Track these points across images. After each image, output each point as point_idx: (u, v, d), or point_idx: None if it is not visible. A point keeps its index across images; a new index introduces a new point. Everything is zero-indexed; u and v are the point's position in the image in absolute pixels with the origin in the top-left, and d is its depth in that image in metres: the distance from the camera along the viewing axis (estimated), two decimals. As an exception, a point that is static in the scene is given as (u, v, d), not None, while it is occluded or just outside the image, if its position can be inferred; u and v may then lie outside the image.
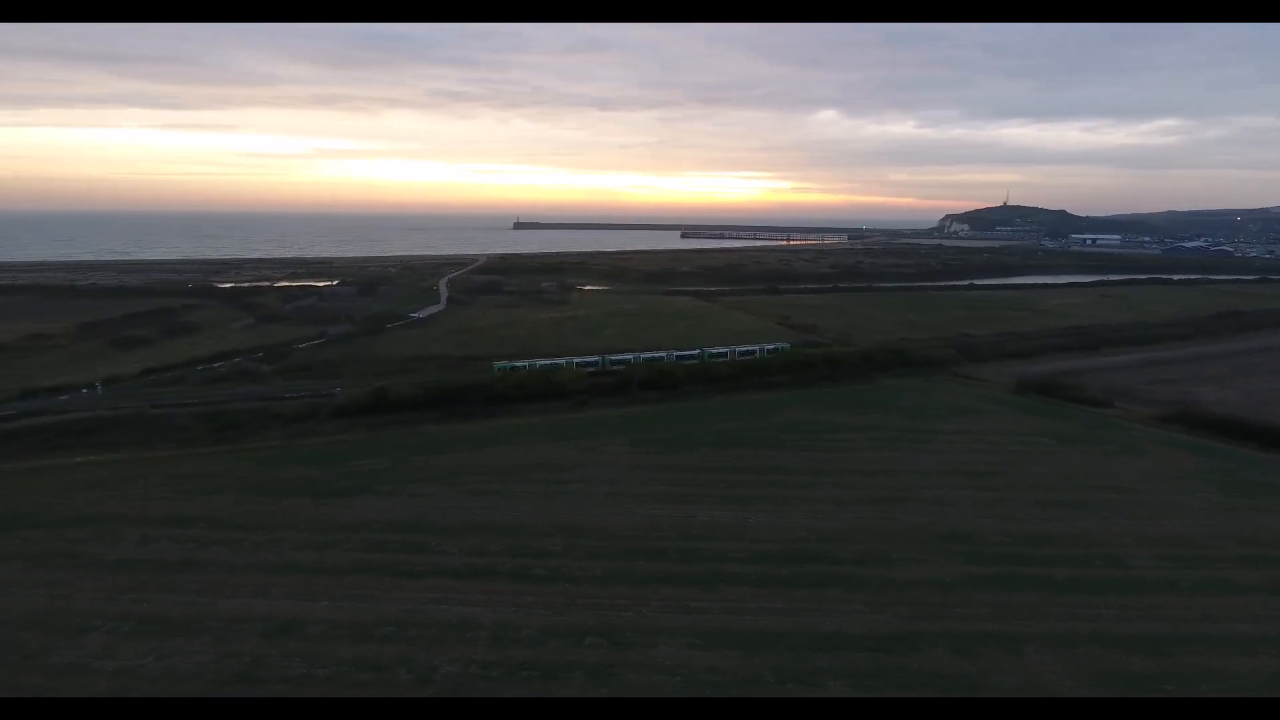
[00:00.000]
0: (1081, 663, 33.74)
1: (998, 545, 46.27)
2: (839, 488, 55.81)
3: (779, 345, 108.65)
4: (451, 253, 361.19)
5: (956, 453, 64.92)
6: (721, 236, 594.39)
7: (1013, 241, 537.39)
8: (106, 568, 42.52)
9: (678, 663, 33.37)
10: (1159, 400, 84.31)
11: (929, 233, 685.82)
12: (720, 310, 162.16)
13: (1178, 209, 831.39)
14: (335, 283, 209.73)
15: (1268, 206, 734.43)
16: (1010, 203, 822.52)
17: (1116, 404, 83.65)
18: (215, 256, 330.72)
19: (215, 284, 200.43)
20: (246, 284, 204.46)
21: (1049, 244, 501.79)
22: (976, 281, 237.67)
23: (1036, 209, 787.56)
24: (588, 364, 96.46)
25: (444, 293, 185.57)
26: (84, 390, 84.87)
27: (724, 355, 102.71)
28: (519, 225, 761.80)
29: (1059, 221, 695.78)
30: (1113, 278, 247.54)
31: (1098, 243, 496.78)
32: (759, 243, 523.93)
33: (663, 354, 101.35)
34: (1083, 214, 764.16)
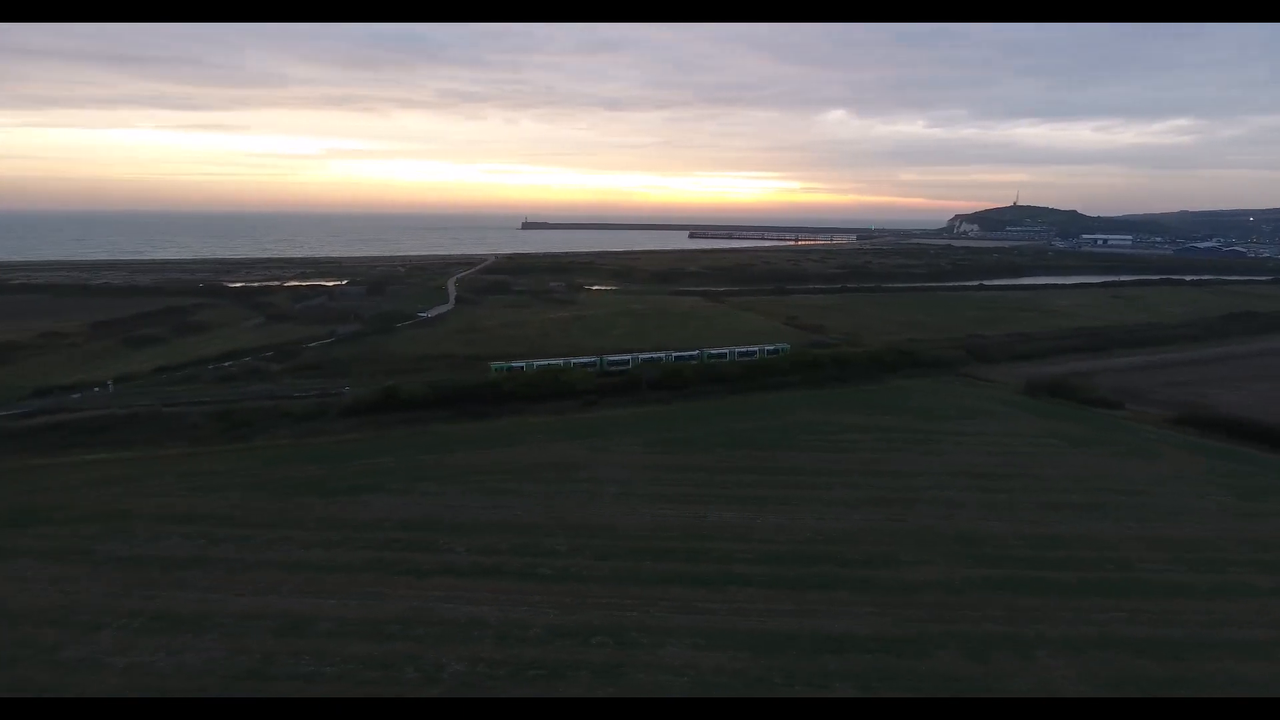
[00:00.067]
0: (1093, 667, 33.52)
1: (1008, 547, 46.01)
2: (848, 489, 55.65)
3: (779, 346, 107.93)
4: (460, 252, 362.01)
5: (966, 454, 64.61)
6: (730, 236, 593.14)
7: (1023, 242, 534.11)
8: (118, 564, 42.87)
9: (685, 663, 33.35)
10: (1171, 402, 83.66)
11: (938, 233, 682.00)
12: (728, 310, 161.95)
13: (1190, 209, 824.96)
14: (345, 282, 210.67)
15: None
16: (1020, 203, 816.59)
17: (1128, 405, 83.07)
18: (226, 256, 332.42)
19: (226, 283, 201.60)
20: (257, 283, 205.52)
21: (1060, 244, 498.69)
22: (986, 282, 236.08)
23: (1047, 209, 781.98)
24: (585, 365, 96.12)
25: (452, 292, 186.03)
26: (97, 388, 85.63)
27: (723, 356, 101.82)
28: (527, 225, 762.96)
29: (1070, 222, 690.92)
30: (1124, 278, 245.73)
31: (1109, 243, 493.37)
32: (767, 243, 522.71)
33: (661, 354, 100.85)
34: (1094, 214, 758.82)
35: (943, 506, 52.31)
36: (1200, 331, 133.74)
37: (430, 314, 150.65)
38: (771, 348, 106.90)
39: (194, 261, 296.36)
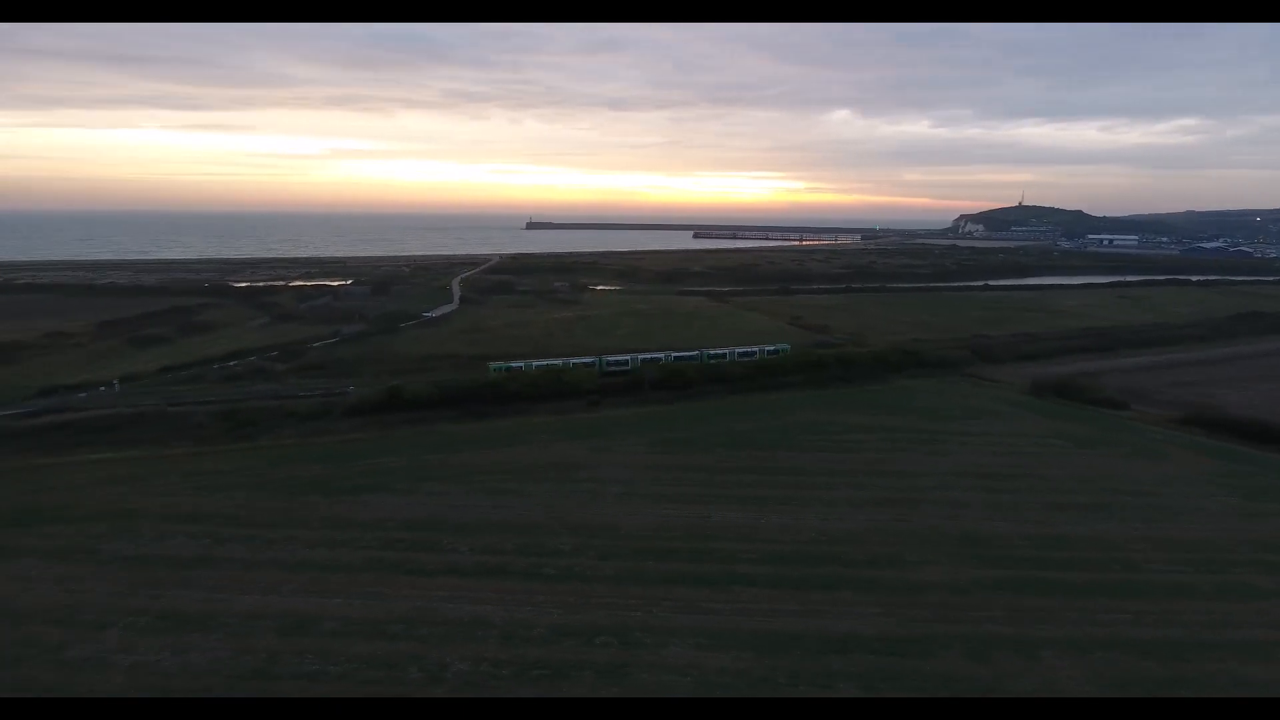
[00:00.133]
0: (1097, 668, 33.40)
1: (1012, 548, 45.87)
2: (852, 489, 55.55)
3: (779, 346, 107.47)
4: (465, 252, 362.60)
5: (971, 454, 64.44)
6: (734, 236, 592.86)
7: (1028, 242, 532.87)
8: (124, 563, 43.00)
9: (689, 663, 33.32)
10: (1177, 402, 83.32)
11: (943, 233, 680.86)
12: (732, 311, 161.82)
13: (1196, 209, 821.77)
14: (349, 282, 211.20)
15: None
16: (1026, 203, 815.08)
17: (1134, 406, 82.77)
18: (232, 256, 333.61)
19: (231, 283, 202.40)
20: (262, 283, 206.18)
21: (1065, 244, 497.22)
22: (991, 282, 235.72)
23: (1052, 209, 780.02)
24: (584, 365, 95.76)
25: (457, 292, 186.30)
26: (103, 388, 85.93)
27: (723, 356, 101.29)
28: (532, 225, 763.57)
29: (1075, 222, 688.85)
30: (1130, 278, 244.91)
31: (1115, 243, 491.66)
32: (772, 243, 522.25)
33: (661, 355, 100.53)
34: (1099, 214, 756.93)
35: (948, 507, 52.17)
36: (1207, 332, 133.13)
37: (435, 314, 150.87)
38: (771, 348, 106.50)
39: (199, 261, 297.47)
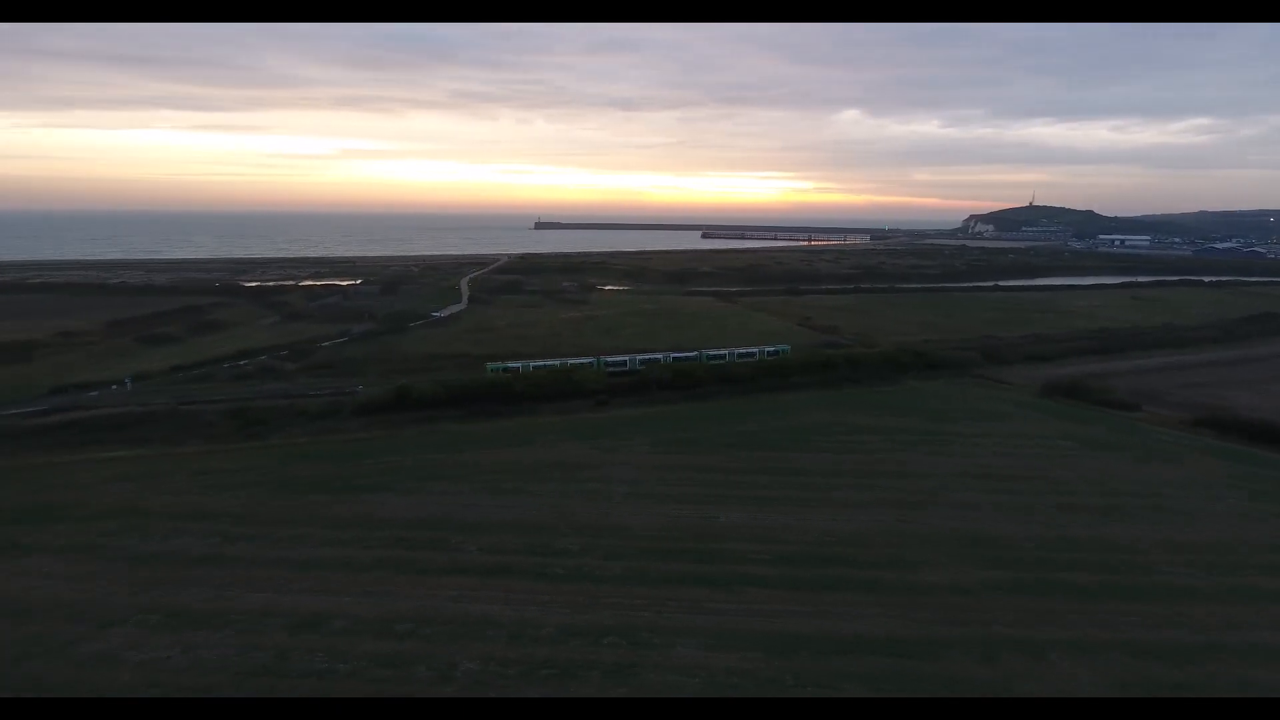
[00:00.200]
0: (1106, 670, 33.16)
1: (1021, 550, 45.63)
2: (860, 490, 55.38)
3: (779, 347, 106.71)
4: (473, 252, 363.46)
5: (980, 456, 64.16)
6: (742, 236, 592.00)
7: (1039, 242, 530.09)
8: (134, 561, 43.29)
9: (697, 664, 33.27)
10: (1189, 404, 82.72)
11: (953, 233, 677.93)
12: (740, 311, 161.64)
13: (1209, 209, 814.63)
14: (358, 282, 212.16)
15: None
16: (1036, 203, 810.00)
17: (1145, 408, 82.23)
18: (242, 255, 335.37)
19: (242, 283, 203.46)
20: (272, 283, 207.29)
21: (1076, 244, 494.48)
22: (1001, 283, 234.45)
23: (1063, 209, 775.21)
24: (580, 365, 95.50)
25: (465, 292, 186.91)
26: (114, 386, 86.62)
27: (722, 357, 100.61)
28: (540, 225, 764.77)
29: (1086, 222, 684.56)
30: (1142, 279, 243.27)
31: (1126, 243, 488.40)
32: (780, 243, 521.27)
33: (659, 355, 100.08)
34: (1111, 214, 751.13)
35: (956, 508, 51.95)
36: (1219, 333, 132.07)
37: (443, 313, 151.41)
38: (771, 349, 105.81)
39: (210, 261, 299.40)
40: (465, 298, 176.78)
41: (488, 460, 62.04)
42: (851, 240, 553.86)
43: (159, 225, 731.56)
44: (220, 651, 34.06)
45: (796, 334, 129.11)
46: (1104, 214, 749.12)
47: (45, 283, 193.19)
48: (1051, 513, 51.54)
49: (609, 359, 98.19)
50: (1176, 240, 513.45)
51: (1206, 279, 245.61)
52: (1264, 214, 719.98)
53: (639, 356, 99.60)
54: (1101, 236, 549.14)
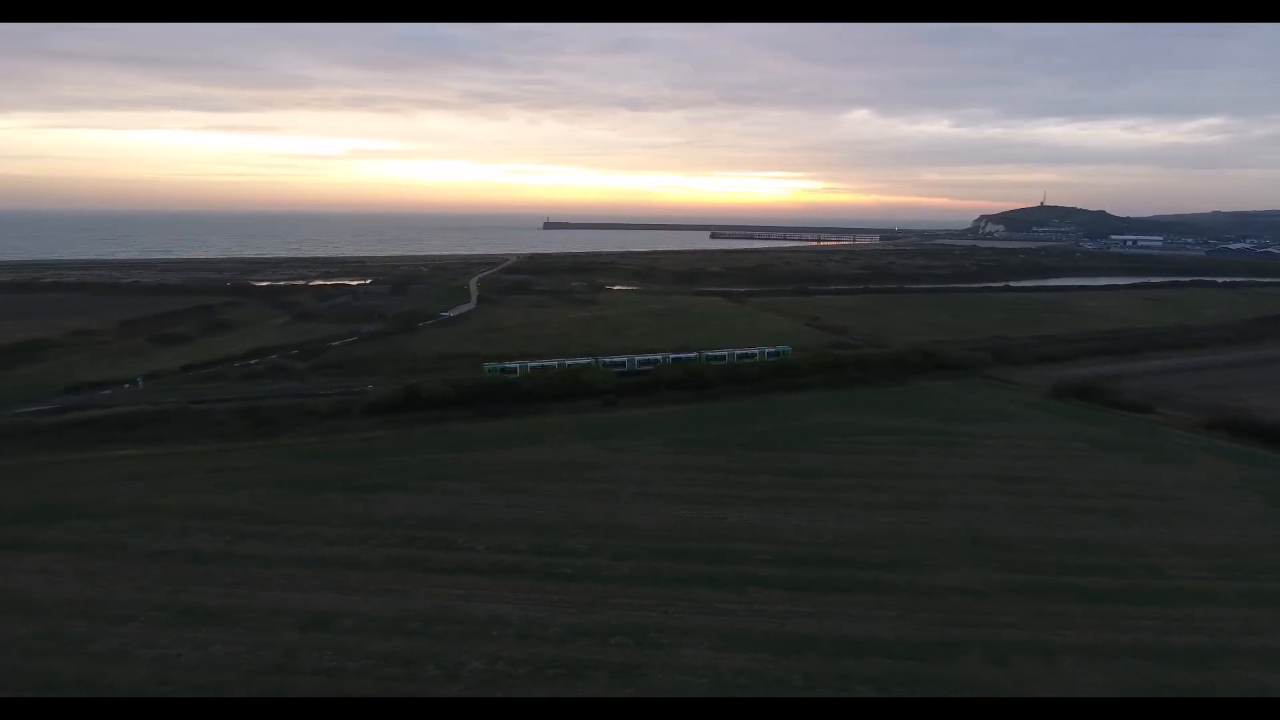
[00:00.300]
0: (1119, 674, 32.93)
1: (1032, 552, 45.35)
2: (870, 491, 55.17)
3: (780, 349, 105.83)
4: (482, 252, 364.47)
5: (990, 457, 63.82)
6: (751, 237, 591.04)
7: (1050, 242, 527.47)
8: (147, 558, 43.61)
9: (705, 664, 33.24)
10: (1202, 406, 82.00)
11: (963, 233, 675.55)
12: (749, 311, 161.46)
13: (1223, 209, 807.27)
14: (368, 281, 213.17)
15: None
16: (1048, 203, 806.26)
17: (1158, 409, 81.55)
18: (253, 255, 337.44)
19: (253, 282, 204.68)
20: (283, 282, 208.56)
21: (1088, 245, 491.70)
22: (1012, 283, 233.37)
23: (1075, 209, 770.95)
24: (579, 366, 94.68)
25: (474, 292, 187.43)
26: (127, 385, 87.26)
27: (721, 358, 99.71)
28: (549, 225, 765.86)
29: (1098, 222, 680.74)
30: (1154, 280, 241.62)
31: (1139, 244, 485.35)
32: (789, 243, 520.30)
33: (658, 356, 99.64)
34: (1123, 214, 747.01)
35: (967, 510, 51.70)
36: (1233, 334, 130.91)
37: (452, 313, 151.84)
38: (772, 350, 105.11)
39: (221, 260, 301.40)
40: (474, 298, 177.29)
41: (497, 460, 62.16)
42: (861, 240, 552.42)
43: (170, 225, 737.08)
44: (231, 649, 34.29)
45: (805, 334, 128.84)
46: (1116, 214, 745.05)
47: (58, 282, 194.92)
48: (1063, 514, 51.21)
49: (607, 359, 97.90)
50: (1189, 240, 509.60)
51: (1220, 280, 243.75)
52: (1278, 214, 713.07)
53: (637, 357, 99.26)
54: (1113, 237, 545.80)
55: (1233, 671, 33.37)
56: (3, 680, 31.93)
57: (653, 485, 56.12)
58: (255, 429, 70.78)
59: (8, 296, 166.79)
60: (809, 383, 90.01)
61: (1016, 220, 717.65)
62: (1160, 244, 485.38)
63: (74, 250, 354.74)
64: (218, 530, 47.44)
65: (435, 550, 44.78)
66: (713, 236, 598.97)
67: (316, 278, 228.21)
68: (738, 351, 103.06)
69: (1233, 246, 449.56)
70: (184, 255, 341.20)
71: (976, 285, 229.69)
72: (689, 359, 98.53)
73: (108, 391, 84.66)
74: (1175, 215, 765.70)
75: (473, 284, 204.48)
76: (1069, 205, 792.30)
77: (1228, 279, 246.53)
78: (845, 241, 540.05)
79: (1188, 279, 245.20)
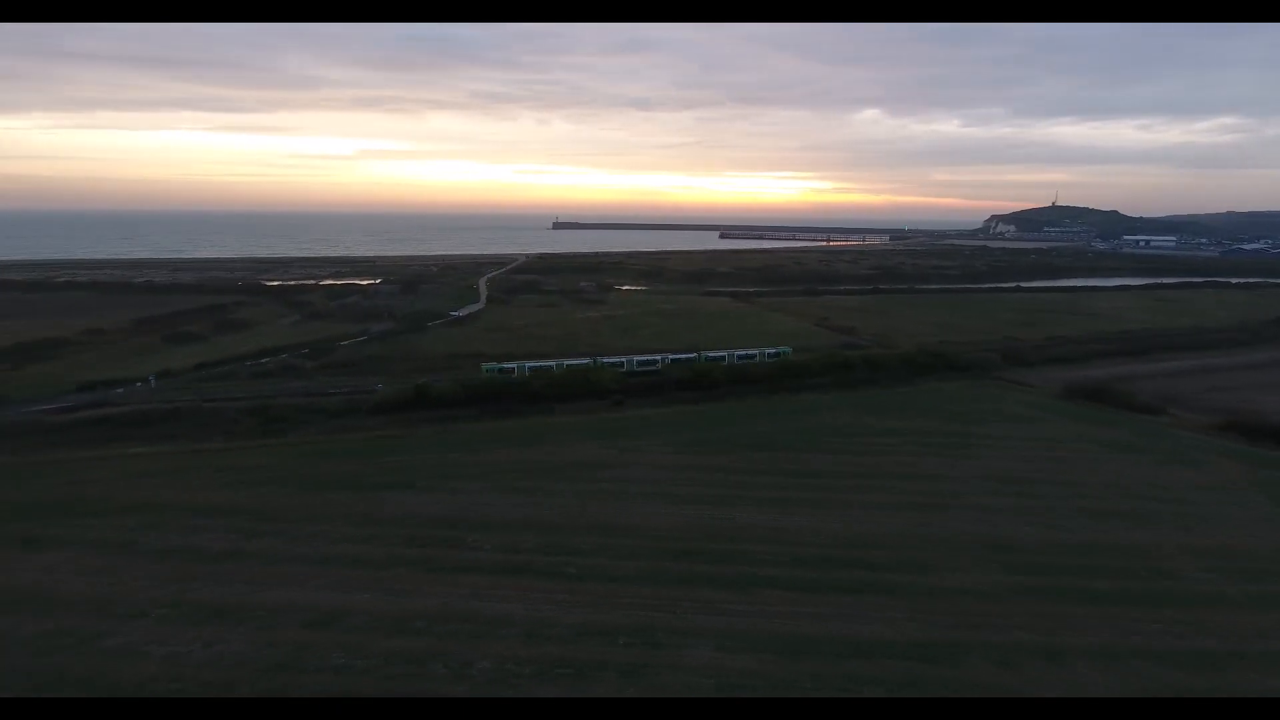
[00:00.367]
0: (1128, 677, 32.71)
1: (1042, 555, 45.10)
2: (878, 492, 54.99)
3: (780, 349, 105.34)
4: (491, 252, 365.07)
5: (1000, 459, 63.49)
6: (760, 237, 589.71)
7: (1061, 243, 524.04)
8: (157, 556, 43.94)
9: (712, 665, 33.23)
10: (1215, 408, 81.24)
11: (974, 234, 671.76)
12: (757, 311, 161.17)
13: (1237, 209, 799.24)
14: (378, 281, 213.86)
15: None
16: (1059, 203, 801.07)
17: (1170, 411, 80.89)
18: (264, 255, 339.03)
19: (264, 282, 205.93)
20: (293, 282, 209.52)
21: (1100, 245, 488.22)
22: (1023, 284, 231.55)
23: (1087, 209, 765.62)
24: (577, 366, 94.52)
25: (484, 292, 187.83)
26: (139, 384, 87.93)
27: (720, 359, 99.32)
28: (558, 225, 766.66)
29: (1111, 222, 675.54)
30: (1167, 280, 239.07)
31: (1152, 244, 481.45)
32: (798, 244, 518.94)
33: (657, 358, 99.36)
34: (1136, 214, 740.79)
35: (976, 511, 51.46)
36: (1247, 336, 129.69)
37: (461, 313, 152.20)
38: (772, 350, 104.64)
39: (233, 260, 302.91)
40: (483, 297, 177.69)
41: (504, 459, 62.30)
42: (870, 241, 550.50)
43: (183, 225, 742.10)
44: (240, 646, 34.51)
45: (814, 335, 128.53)
46: (1129, 214, 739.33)
47: (72, 281, 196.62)
48: (1072, 517, 50.90)
49: (605, 360, 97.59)
50: (1203, 241, 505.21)
51: (1234, 280, 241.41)
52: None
53: (636, 358, 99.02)
54: (1126, 237, 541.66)
55: (1242, 675, 33.10)
56: (14, 677, 32.25)
57: (660, 485, 56.12)
58: (265, 427, 71.19)
59: (22, 295, 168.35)
60: (817, 383, 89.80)
61: (1028, 220, 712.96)
62: (1173, 244, 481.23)
63: (87, 249, 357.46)
64: (227, 528, 47.76)
65: (442, 549, 44.93)
66: (722, 237, 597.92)
67: (327, 277, 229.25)
68: (737, 352, 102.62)
69: (1247, 247, 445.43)
70: (196, 255, 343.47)
71: (987, 286, 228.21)
72: (688, 359, 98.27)
73: (120, 390, 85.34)
74: (1189, 215, 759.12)
75: (482, 284, 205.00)
76: (1081, 205, 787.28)
77: (1242, 280, 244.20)
78: (855, 242, 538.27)
79: (1201, 280, 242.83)
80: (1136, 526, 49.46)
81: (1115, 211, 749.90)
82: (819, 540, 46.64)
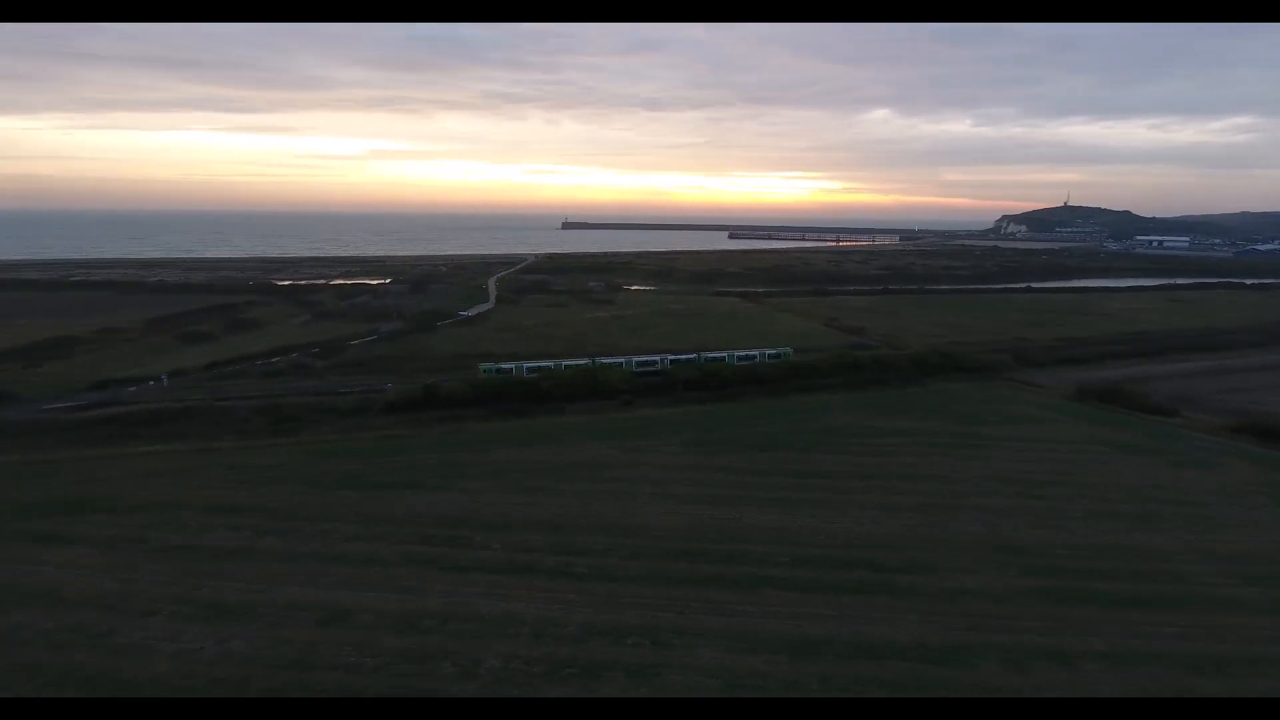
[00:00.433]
0: (1141, 682, 32.46)
1: (1053, 557, 44.81)
2: (887, 493, 54.79)
3: (781, 350, 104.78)
4: (501, 252, 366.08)
5: (1010, 460, 63.13)
6: (770, 237, 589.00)
7: (1073, 243, 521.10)
8: (169, 553, 44.27)
9: (720, 665, 33.20)
10: (1229, 410, 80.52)
11: (984, 234, 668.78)
12: (766, 312, 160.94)
13: (1251, 210, 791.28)
14: (388, 281, 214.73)
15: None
16: (1071, 203, 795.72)
17: (1183, 413, 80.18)
18: (275, 255, 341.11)
19: (275, 281, 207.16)
20: (304, 281, 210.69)
21: (1112, 245, 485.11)
22: (1034, 284, 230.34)
23: (1099, 209, 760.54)
24: (576, 366, 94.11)
25: (493, 291, 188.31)
26: (151, 383, 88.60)
27: (720, 359, 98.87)
28: (567, 225, 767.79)
29: (1123, 222, 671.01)
30: (1180, 281, 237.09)
31: (1164, 245, 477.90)
32: (808, 244, 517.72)
33: (657, 358, 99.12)
34: (1149, 215, 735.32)
35: (986, 513, 51.19)
36: (1262, 337, 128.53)
37: (471, 313, 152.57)
38: (773, 351, 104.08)
39: (244, 260, 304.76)
40: (493, 297, 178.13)
41: (513, 459, 62.43)
42: (880, 241, 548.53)
43: (195, 225, 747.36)
44: (251, 644, 34.73)
45: (823, 335, 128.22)
46: (1142, 214, 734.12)
47: (86, 280, 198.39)
48: (1085, 519, 50.55)
49: (604, 360, 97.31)
50: (1217, 241, 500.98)
51: (1248, 281, 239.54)
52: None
53: (635, 359, 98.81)
54: (1138, 237, 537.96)
55: (1256, 680, 32.79)
56: (28, 672, 32.57)
57: (669, 485, 56.11)
58: (276, 426, 71.58)
59: (37, 294, 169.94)
60: (827, 384, 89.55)
61: (1039, 220, 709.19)
62: (1187, 245, 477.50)
63: (101, 249, 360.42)
64: (237, 526, 48.07)
65: (451, 548, 45.08)
66: (731, 237, 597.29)
67: (337, 277, 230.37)
68: (737, 353, 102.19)
69: (1262, 248, 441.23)
70: (207, 254, 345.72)
71: (998, 286, 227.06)
72: (688, 360, 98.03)
73: (133, 388, 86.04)
74: (1202, 215, 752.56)
75: (491, 283, 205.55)
76: (1093, 205, 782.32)
77: (1256, 281, 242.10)
78: (864, 242, 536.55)
79: (1215, 280, 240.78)
80: (1148, 529, 49.08)
81: (1128, 212, 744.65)
82: (827, 541, 46.53)
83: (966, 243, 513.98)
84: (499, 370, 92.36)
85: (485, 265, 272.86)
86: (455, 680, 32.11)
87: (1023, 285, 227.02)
